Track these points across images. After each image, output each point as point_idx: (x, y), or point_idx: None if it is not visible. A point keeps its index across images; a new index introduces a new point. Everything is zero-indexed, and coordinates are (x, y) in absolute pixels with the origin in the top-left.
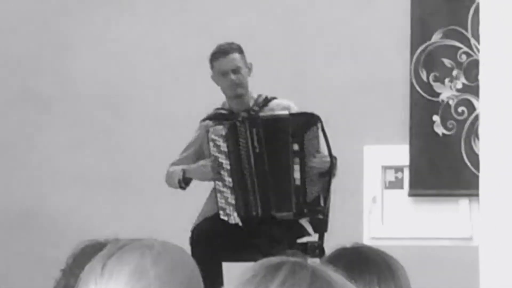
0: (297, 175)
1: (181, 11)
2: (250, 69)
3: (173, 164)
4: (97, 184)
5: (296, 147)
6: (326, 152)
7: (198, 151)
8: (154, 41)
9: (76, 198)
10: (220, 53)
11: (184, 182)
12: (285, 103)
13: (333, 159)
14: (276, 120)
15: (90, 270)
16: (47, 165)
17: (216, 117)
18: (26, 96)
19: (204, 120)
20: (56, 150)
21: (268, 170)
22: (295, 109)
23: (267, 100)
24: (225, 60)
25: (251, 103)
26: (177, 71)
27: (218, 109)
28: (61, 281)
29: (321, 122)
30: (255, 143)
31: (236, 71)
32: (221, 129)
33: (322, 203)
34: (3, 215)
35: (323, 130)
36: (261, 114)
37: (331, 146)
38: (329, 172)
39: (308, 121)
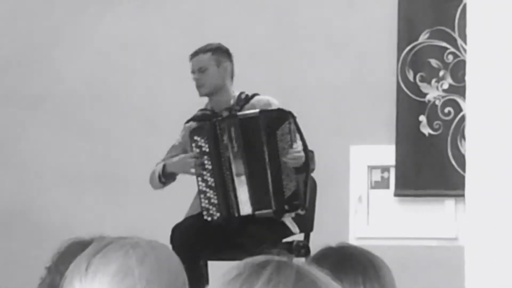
0: (272, 172)
1: (170, 10)
2: (226, 68)
3: (158, 165)
4: (85, 182)
5: (269, 141)
6: (300, 147)
7: (181, 154)
8: (143, 40)
9: (64, 197)
10: (194, 53)
11: (164, 177)
12: (266, 99)
13: (308, 153)
14: (249, 118)
15: (75, 268)
16: (34, 164)
17: (199, 118)
18: (14, 95)
19: (188, 121)
20: (43, 149)
21: (246, 169)
22: (275, 104)
23: (247, 98)
24: (193, 60)
25: (232, 101)
26: (166, 70)
27: (201, 110)
28: (46, 278)
29: (293, 117)
30: (234, 143)
31: (200, 70)
32: (202, 130)
33: (300, 198)
34: None
35: (296, 124)
36: (241, 112)
37: (316, 144)
38: (305, 167)
39: (279, 117)
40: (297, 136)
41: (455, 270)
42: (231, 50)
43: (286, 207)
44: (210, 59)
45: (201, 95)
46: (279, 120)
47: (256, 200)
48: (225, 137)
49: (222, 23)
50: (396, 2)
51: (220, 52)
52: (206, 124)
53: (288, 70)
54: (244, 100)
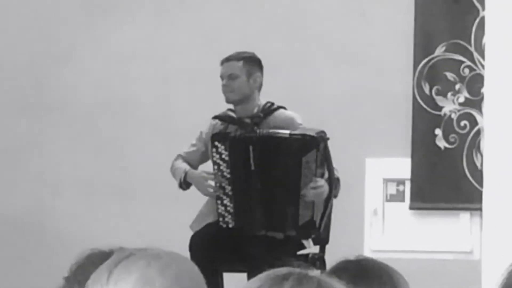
0: (290, 197)
1: (183, 20)
2: (256, 80)
3: (180, 156)
4: (99, 192)
5: (293, 167)
6: (323, 181)
7: (203, 151)
8: (157, 51)
9: (79, 206)
10: (226, 59)
11: (185, 184)
12: (289, 115)
13: (333, 182)
14: (275, 138)
15: (96, 278)
16: (50, 173)
17: (224, 119)
18: (29, 105)
19: (215, 117)
20: (59, 159)
21: (261, 188)
22: (299, 121)
23: (271, 110)
24: (224, 65)
25: (256, 110)
26: (179, 81)
27: (229, 110)
28: None
29: (325, 143)
30: (251, 160)
31: (230, 77)
32: (224, 137)
33: (314, 227)
34: (6, 222)
35: (325, 151)
36: (263, 124)
37: (331, 156)
38: (328, 196)
39: (308, 144)
40: (324, 165)
41: (469, 284)
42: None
43: (295, 233)
44: (242, 68)
45: (228, 101)
46: (307, 146)
47: (269, 220)
48: (245, 151)
49: (236, 34)
50: (412, 15)
51: (252, 62)
52: (228, 132)
53: (303, 82)
54: (268, 110)
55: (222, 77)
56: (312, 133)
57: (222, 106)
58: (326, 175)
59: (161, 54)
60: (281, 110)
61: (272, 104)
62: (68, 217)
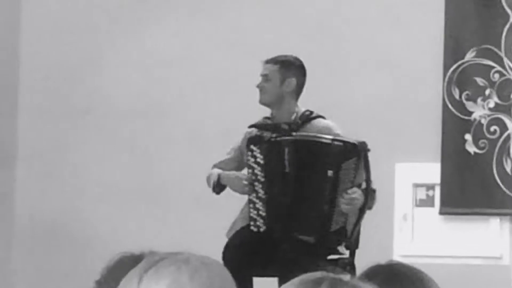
0: (326, 202)
1: (214, 25)
2: (289, 84)
3: (215, 166)
4: (129, 196)
5: (330, 174)
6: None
7: (239, 157)
8: (187, 55)
9: (108, 211)
10: (264, 61)
11: (218, 188)
12: (327, 123)
13: (369, 192)
14: (315, 142)
15: (127, 283)
16: (80, 177)
17: (260, 126)
18: (60, 108)
19: (251, 126)
20: (88, 162)
21: (295, 191)
22: (337, 131)
23: (309, 118)
24: (265, 67)
25: (293, 117)
26: (210, 85)
27: (265, 118)
28: None
29: (365, 153)
30: (286, 163)
31: (264, 78)
32: (260, 141)
33: (345, 235)
34: (35, 227)
35: (365, 160)
36: (301, 131)
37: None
38: (363, 207)
39: (348, 151)
40: (362, 175)
41: None
42: None
43: (326, 240)
44: (276, 71)
45: (260, 102)
46: (348, 153)
47: (301, 223)
48: (281, 154)
49: (266, 39)
50: (442, 21)
51: (289, 67)
52: (264, 136)
53: (333, 87)
54: (306, 118)
55: (261, 77)
56: (354, 141)
57: (255, 112)
58: (363, 185)
59: (194, 58)
60: (320, 119)
61: (311, 112)
62: (98, 221)
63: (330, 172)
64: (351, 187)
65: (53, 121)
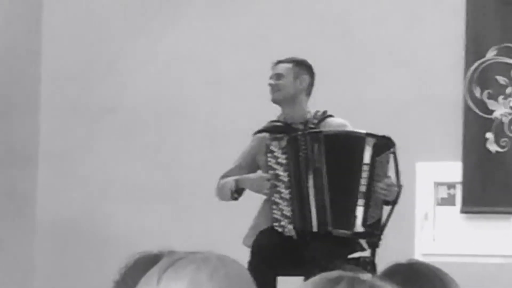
0: (362, 196)
1: (234, 25)
2: (302, 82)
3: (224, 176)
4: (149, 196)
5: (366, 168)
6: (393, 179)
7: (250, 163)
8: (207, 55)
9: (128, 210)
10: (275, 62)
11: (237, 193)
12: (340, 122)
13: (400, 187)
14: (349, 137)
15: (146, 282)
16: (100, 177)
17: (272, 130)
18: (80, 107)
19: (259, 132)
20: (108, 161)
21: (328, 185)
22: (350, 129)
23: (324, 116)
24: (274, 67)
25: (308, 116)
26: (228, 84)
27: (273, 121)
28: None
29: (394, 149)
30: (315, 157)
31: (277, 76)
32: (281, 141)
33: (380, 229)
34: (55, 226)
35: (395, 156)
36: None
37: None
38: (394, 201)
39: (383, 145)
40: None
41: None
42: None
43: (364, 232)
44: (290, 69)
45: (273, 100)
46: (382, 147)
47: (336, 218)
48: (308, 151)
49: (284, 39)
50: (463, 19)
51: (302, 66)
52: (285, 136)
53: (354, 86)
54: (321, 117)
55: (270, 78)
56: (386, 135)
57: (271, 110)
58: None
59: (212, 58)
60: (333, 118)
61: (324, 112)
62: (118, 220)
63: (367, 165)
64: (388, 178)
65: (74, 121)
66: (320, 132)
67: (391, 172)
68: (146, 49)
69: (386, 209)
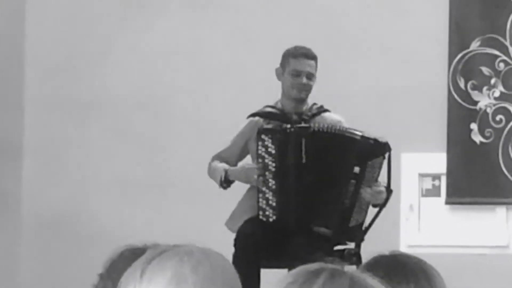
0: (347, 197)
1: (218, 16)
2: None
3: (216, 156)
4: (134, 189)
5: (356, 170)
6: (384, 182)
7: (243, 147)
8: (192, 46)
9: (114, 203)
10: (303, 54)
11: (226, 183)
12: (336, 118)
13: (389, 193)
14: (342, 136)
15: (129, 275)
16: (86, 171)
17: (267, 115)
18: (64, 101)
19: (253, 115)
20: (93, 155)
21: (314, 182)
22: (346, 125)
23: (320, 111)
24: (305, 62)
25: (304, 108)
26: (214, 76)
27: (269, 106)
28: (99, 285)
29: (390, 153)
30: (302, 152)
31: (309, 76)
32: (272, 132)
33: (361, 233)
34: (41, 219)
35: (389, 161)
36: (339, 128)
37: None
38: (381, 206)
39: (376, 150)
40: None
41: (506, 278)
42: (279, 56)
43: (344, 234)
44: (315, 67)
45: (301, 98)
46: (376, 152)
47: (318, 216)
48: (295, 145)
49: (270, 30)
50: (447, 10)
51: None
52: (277, 126)
53: (338, 76)
54: (317, 110)
55: (299, 73)
56: (383, 141)
57: (259, 102)
58: (383, 184)
59: (197, 51)
60: (329, 113)
61: (321, 106)
62: (104, 214)
63: (356, 169)
64: (377, 183)
65: (59, 115)
66: (309, 127)
67: (384, 176)
68: (131, 42)
69: (373, 210)
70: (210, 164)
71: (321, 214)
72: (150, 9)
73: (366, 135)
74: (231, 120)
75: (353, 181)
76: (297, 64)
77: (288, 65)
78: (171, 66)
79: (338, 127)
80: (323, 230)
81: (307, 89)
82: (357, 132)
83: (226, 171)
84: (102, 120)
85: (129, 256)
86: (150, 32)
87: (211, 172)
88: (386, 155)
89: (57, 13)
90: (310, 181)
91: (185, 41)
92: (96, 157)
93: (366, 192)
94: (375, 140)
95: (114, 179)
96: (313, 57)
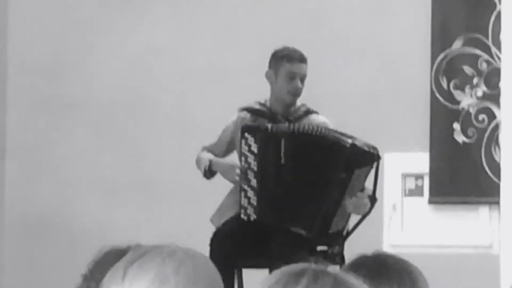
0: (330, 203)
1: (203, 16)
2: None
3: (205, 148)
4: (119, 190)
5: (343, 176)
6: (369, 190)
7: (229, 141)
8: (176, 47)
9: (98, 204)
10: (298, 58)
11: (209, 173)
12: (322, 120)
13: (373, 201)
14: (331, 142)
15: (111, 277)
16: (67, 170)
17: (255, 112)
18: (48, 101)
19: (243, 109)
20: (77, 155)
21: (293, 183)
22: (330, 127)
23: (307, 112)
24: (301, 66)
25: (292, 109)
26: (200, 76)
27: (259, 103)
28: (82, 286)
29: (378, 162)
30: (281, 153)
31: (302, 79)
32: (255, 130)
33: (341, 240)
34: (24, 219)
35: (376, 170)
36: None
37: None
38: (364, 215)
39: (365, 160)
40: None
41: (489, 278)
42: (264, 56)
43: (322, 239)
44: (306, 69)
45: (291, 102)
46: (363, 161)
47: (298, 217)
48: (276, 146)
49: (254, 29)
50: (429, 10)
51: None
52: (260, 126)
53: (320, 76)
54: (304, 113)
55: (294, 76)
56: (374, 151)
57: (246, 102)
58: (368, 191)
59: (182, 50)
60: (316, 115)
61: (308, 109)
62: (88, 214)
63: (343, 175)
64: (362, 194)
65: (42, 115)
66: (288, 127)
67: (369, 182)
68: (115, 42)
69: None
70: (198, 154)
71: (301, 216)
72: (134, 9)
73: (356, 142)
74: (216, 120)
75: (338, 188)
76: (294, 67)
77: (283, 68)
78: (154, 67)
79: (320, 130)
80: (302, 232)
81: (300, 93)
82: (346, 139)
83: (210, 161)
84: (86, 120)
85: (112, 257)
86: (134, 32)
87: (198, 162)
88: (374, 165)
89: (41, 14)
90: (289, 182)
91: (169, 41)
92: (80, 157)
93: (349, 203)
94: (364, 150)
95: (98, 179)
96: (306, 60)
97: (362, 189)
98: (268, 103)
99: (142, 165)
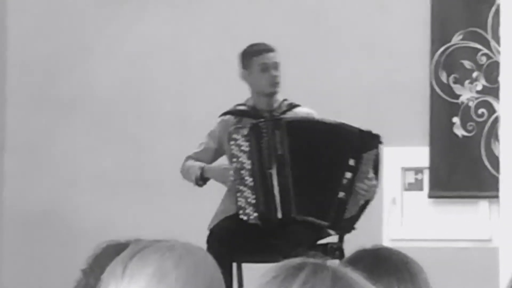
0: (343, 189)
1: (201, 13)
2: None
3: (190, 157)
4: (117, 185)
5: (352, 162)
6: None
7: (217, 148)
8: (174, 45)
9: (97, 200)
10: (263, 49)
11: (202, 180)
12: (307, 111)
13: (377, 185)
14: (345, 130)
15: (111, 271)
16: (67, 167)
17: (237, 113)
18: (47, 98)
19: (224, 114)
20: (76, 152)
21: (294, 172)
22: (316, 117)
23: (291, 106)
24: (269, 55)
25: (275, 105)
26: (196, 73)
27: (239, 105)
28: (81, 281)
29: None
30: (277, 144)
31: (276, 67)
32: (243, 129)
33: (354, 223)
34: (23, 216)
35: (378, 154)
36: (285, 116)
37: None
38: (369, 200)
39: (371, 142)
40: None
41: (489, 272)
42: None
43: (341, 226)
44: (277, 57)
45: (273, 92)
46: (370, 144)
47: (313, 208)
48: (270, 138)
49: (252, 26)
50: (429, 4)
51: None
52: (247, 124)
53: (320, 71)
54: (288, 106)
55: (266, 67)
56: (375, 132)
57: (242, 100)
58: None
59: (180, 48)
60: (301, 108)
61: (291, 103)
62: (87, 211)
63: (352, 161)
64: (372, 177)
65: (41, 112)
66: (281, 119)
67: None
68: (113, 39)
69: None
70: (183, 163)
71: (316, 207)
72: (132, 7)
73: (362, 129)
74: (215, 117)
75: (349, 172)
76: (263, 59)
77: (253, 63)
78: (154, 63)
79: (317, 119)
80: (319, 222)
81: (278, 81)
82: (356, 127)
83: (202, 168)
84: (84, 117)
85: (112, 252)
86: (133, 31)
87: (185, 171)
88: (379, 148)
89: (39, 11)
90: (288, 172)
91: (167, 38)
92: (79, 154)
93: (361, 188)
94: (369, 132)
95: (97, 176)
96: (273, 49)
97: (370, 173)
98: (250, 102)
99: (141, 162)
